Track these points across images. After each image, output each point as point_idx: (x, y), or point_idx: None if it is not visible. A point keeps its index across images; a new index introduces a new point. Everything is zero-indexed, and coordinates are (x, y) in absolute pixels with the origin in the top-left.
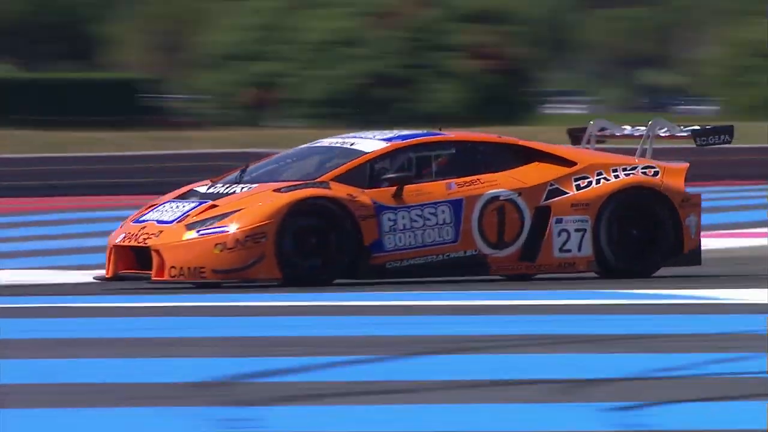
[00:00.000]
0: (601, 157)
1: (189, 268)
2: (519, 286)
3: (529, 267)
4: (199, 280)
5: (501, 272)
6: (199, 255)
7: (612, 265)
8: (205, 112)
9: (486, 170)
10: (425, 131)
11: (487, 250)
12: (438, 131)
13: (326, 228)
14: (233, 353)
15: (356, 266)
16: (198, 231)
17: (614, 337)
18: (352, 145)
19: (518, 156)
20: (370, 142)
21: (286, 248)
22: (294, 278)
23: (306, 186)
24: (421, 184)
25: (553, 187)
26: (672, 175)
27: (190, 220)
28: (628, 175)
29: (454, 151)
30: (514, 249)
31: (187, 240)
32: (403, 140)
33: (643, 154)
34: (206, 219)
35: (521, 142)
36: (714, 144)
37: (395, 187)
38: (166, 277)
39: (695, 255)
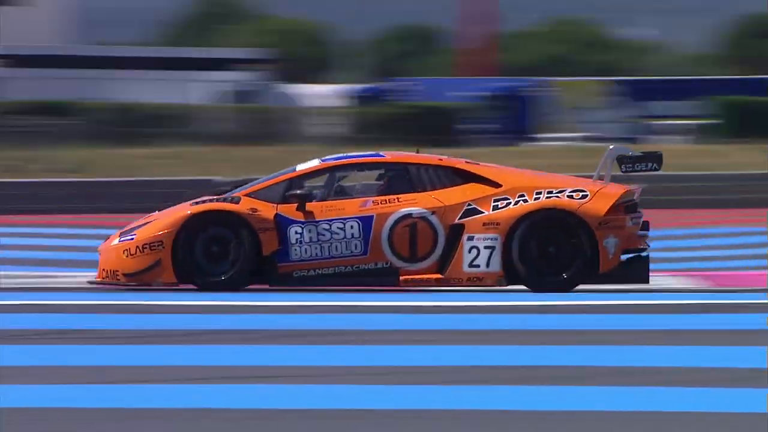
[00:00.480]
0: (532, 179)
1: (109, 271)
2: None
3: (438, 280)
4: (115, 283)
5: (411, 284)
6: (114, 260)
7: (523, 280)
8: None
9: (413, 190)
10: (372, 152)
11: (398, 263)
12: (379, 153)
13: (227, 238)
14: None
15: (263, 274)
16: (120, 238)
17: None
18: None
19: (450, 177)
20: (311, 162)
21: (181, 257)
22: (204, 284)
23: (217, 200)
24: (337, 201)
25: (471, 206)
26: (599, 200)
27: (126, 228)
28: (549, 197)
29: (383, 172)
30: (429, 263)
31: (112, 246)
32: (335, 160)
33: (601, 179)
34: (131, 228)
35: (455, 164)
36: (641, 171)
37: (298, 203)
38: (99, 278)
39: (614, 274)
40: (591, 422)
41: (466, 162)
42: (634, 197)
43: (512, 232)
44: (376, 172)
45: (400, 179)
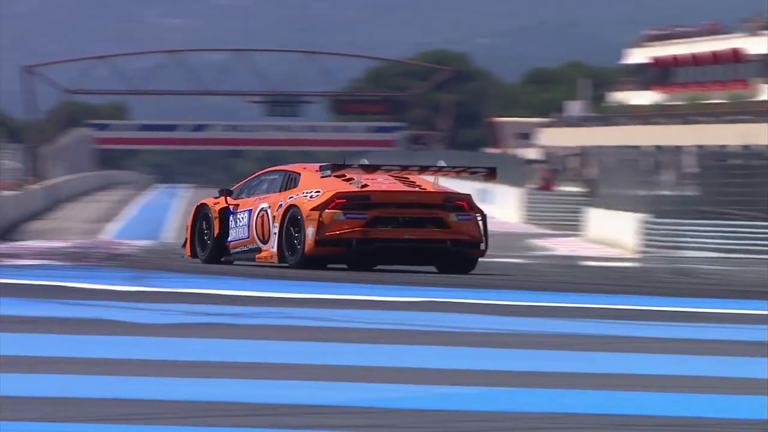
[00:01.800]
0: (322, 184)
1: None
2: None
3: (272, 256)
4: None
5: (262, 260)
6: None
7: (284, 258)
8: None
9: (280, 191)
10: (297, 164)
11: (260, 244)
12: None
13: (209, 224)
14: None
15: (220, 250)
16: None
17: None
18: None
19: (296, 181)
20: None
21: (191, 236)
22: (201, 257)
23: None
24: (249, 198)
25: (288, 203)
26: (318, 199)
27: None
28: (299, 197)
29: (277, 177)
30: (271, 244)
31: None
32: (263, 169)
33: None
34: None
35: (300, 171)
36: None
37: (226, 197)
38: None
39: (310, 257)
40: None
41: (315, 171)
42: (361, 198)
43: (282, 222)
44: (273, 178)
45: (279, 183)
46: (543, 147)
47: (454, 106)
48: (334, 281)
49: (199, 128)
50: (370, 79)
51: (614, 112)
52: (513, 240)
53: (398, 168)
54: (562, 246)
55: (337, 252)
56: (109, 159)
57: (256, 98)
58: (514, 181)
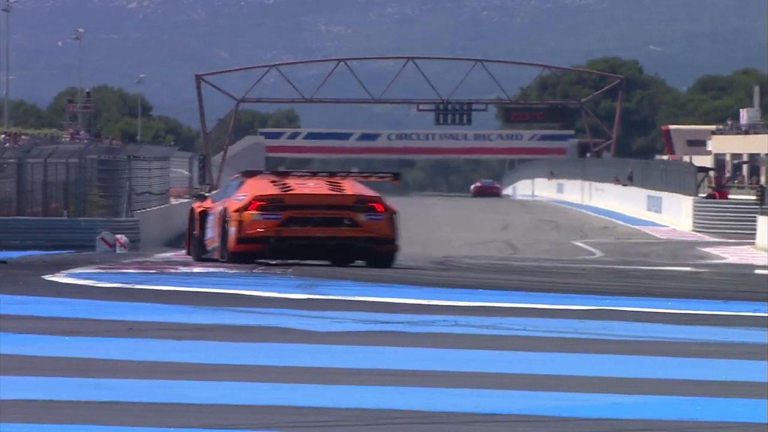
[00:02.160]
0: (252, 188)
1: None
2: None
3: (219, 252)
4: None
5: (216, 257)
6: None
7: (223, 254)
8: None
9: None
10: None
11: (218, 242)
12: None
13: (192, 225)
14: None
15: (202, 248)
16: None
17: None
18: None
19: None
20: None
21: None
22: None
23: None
24: (216, 202)
25: (224, 206)
26: (237, 204)
27: None
28: (232, 200)
29: (234, 183)
30: (217, 243)
31: None
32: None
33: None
34: None
35: (247, 178)
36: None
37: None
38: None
39: (233, 253)
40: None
41: (258, 177)
42: (277, 200)
43: (220, 224)
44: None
45: (234, 188)
46: (713, 154)
47: (624, 113)
48: (502, 289)
49: (367, 137)
50: (539, 87)
51: None
52: (684, 248)
53: (309, 174)
54: (733, 254)
55: (258, 248)
56: (279, 167)
57: (426, 106)
58: (684, 189)
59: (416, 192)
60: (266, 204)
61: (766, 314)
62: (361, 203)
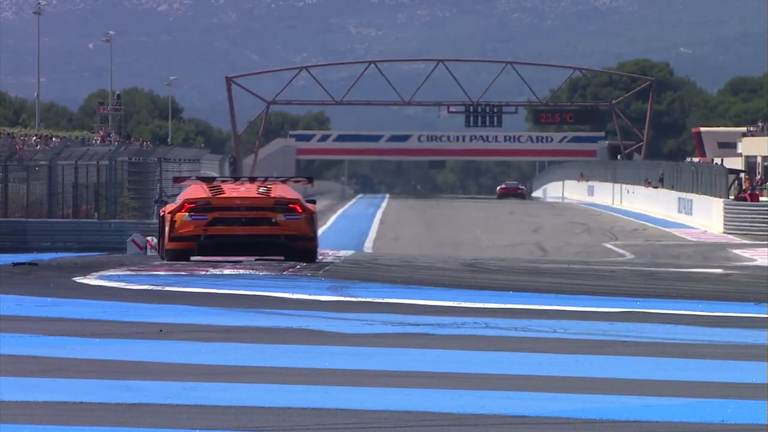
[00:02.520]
0: (188, 193)
1: None
2: None
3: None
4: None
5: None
6: None
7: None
8: None
9: None
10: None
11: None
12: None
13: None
14: None
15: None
16: None
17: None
18: None
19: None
20: None
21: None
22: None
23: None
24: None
25: (165, 209)
26: (172, 207)
27: None
28: (171, 203)
29: (182, 188)
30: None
31: None
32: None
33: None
34: None
35: (189, 183)
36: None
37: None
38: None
39: (168, 251)
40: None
41: (198, 183)
42: (204, 203)
43: (160, 225)
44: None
45: (180, 192)
46: (744, 156)
47: (654, 115)
48: (532, 292)
49: (398, 138)
50: (569, 89)
51: None
52: (715, 250)
53: (232, 180)
54: (764, 256)
55: (189, 246)
56: (309, 169)
57: (456, 108)
58: (715, 191)
59: (447, 194)
60: (195, 206)
61: None
62: (281, 204)
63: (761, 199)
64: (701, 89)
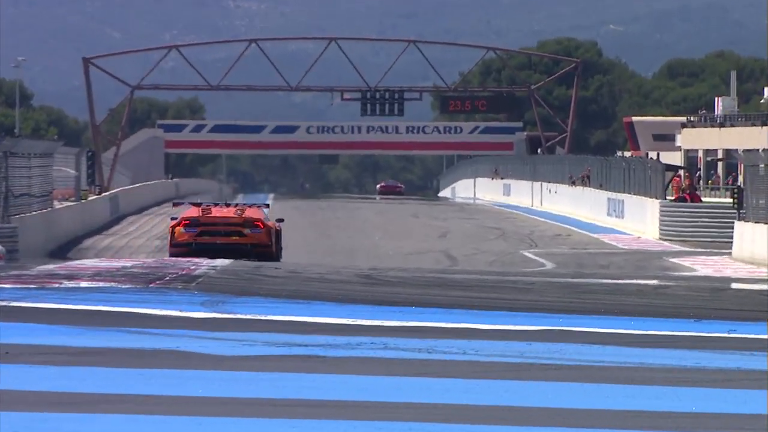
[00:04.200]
0: (186, 212)
1: None
2: None
3: None
4: None
5: None
6: None
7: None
8: None
9: None
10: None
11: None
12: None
13: None
14: None
15: None
16: None
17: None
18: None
19: None
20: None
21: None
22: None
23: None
24: None
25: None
26: (174, 222)
27: None
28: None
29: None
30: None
31: None
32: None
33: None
34: None
35: (190, 204)
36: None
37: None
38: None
39: (171, 254)
40: None
41: (194, 205)
42: (195, 219)
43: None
44: None
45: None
46: (683, 150)
47: (580, 103)
48: (438, 307)
49: (283, 129)
50: (482, 72)
51: (767, 110)
52: (650, 259)
53: (219, 204)
54: (706, 266)
55: (184, 250)
56: (180, 164)
57: (351, 95)
58: (650, 191)
59: (340, 193)
60: (189, 222)
61: (744, 336)
62: (249, 222)
63: (703, 199)
64: (634, 72)
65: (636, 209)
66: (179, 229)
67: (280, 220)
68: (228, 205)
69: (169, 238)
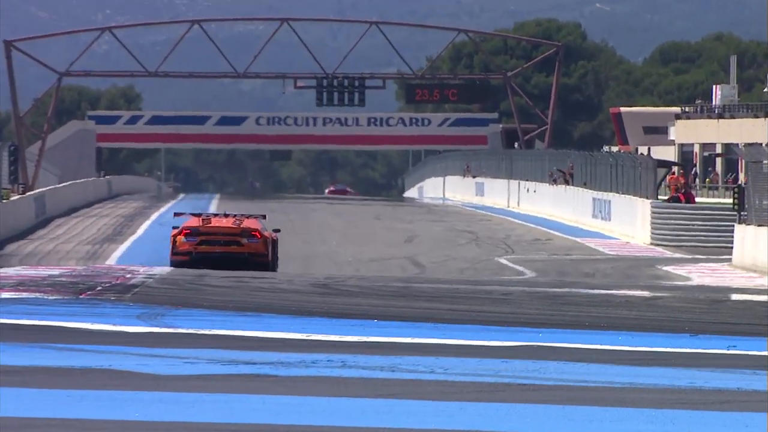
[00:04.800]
0: (188, 221)
1: None
2: None
3: None
4: None
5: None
6: None
7: None
8: None
9: None
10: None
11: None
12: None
13: None
14: None
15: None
16: None
17: None
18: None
19: None
20: None
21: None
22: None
23: None
24: None
25: None
26: (176, 231)
27: None
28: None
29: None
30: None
31: None
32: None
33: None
34: None
35: (194, 215)
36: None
37: None
38: None
39: (172, 262)
40: None
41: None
42: (195, 229)
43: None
44: None
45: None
46: (677, 145)
47: (562, 91)
48: (403, 320)
49: (230, 121)
50: (452, 57)
51: None
52: (640, 267)
53: (218, 215)
54: (703, 274)
55: (185, 259)
56: (114, 159)
57: (306, 82)
58: (640, 190)
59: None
60: (190, 232)
61: (744, 352)
62: (246, 232)
63: (699, 200)
64: (622, 58)
65: (624, 211)
66: (180, 238)
67: (277, 230)
68: (227, 216)
69: (171, 247)
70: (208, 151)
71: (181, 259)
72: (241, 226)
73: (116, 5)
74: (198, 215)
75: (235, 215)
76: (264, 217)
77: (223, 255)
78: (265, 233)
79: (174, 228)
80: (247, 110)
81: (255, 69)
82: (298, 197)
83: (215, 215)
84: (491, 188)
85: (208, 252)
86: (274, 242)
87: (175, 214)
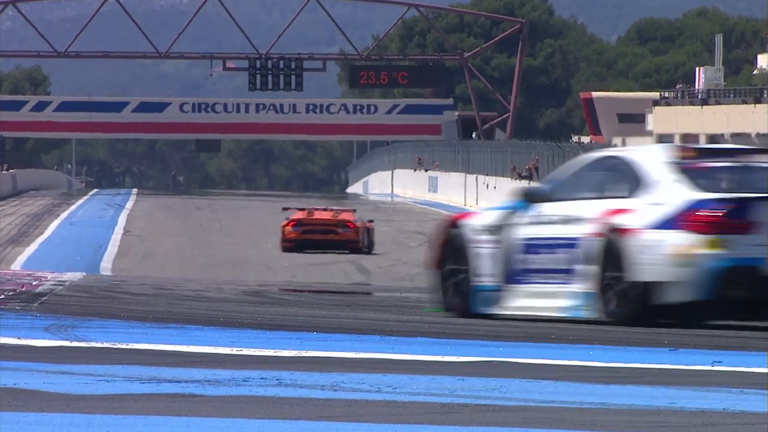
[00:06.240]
0: (295, 214)
1: None
2: None
3: None
4: None
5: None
6: None
7: None
8: None
9: None
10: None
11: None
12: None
13: None
14: None
15: None
16: None
17: None
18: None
19: None
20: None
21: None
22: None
23: None
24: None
25: None
26: (284, 223)
27: None
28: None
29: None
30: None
31: None
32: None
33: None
34: None
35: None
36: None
37: None
38: None
39: (283, 249)
40: None
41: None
42: (300, 221)
43: None
44: None
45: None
46: (656, 135)
47: (526, 74)
48: (346, 332)
49: (150, 107)
50: (402, 36)
51: (761, 84)
52: None
53: (321, 208)
54: None
55: (291, 245)
56: (19, 150)
57: (237, 63)
58: None
59: (223, 189)
60: (295, 223)
61: (730, 369)
62: (342, 223)
63: None
64: (593, 36)
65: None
66: (288, 228)
67: (371, 221)
68: (326, 210)
69: (280, 235)
70: (126, 141)
71: (289, 245)
72: (338, 218)
73: None
74: (302, 209)
75: (333, 209)
76: (354, 211)
77: (322, 242)
78: (358, 224)
79: (287, 219)
80: (169, 95)
81: (179, 48)
82: (228, 193)
83: (316, 209)
84: (446, 183)
85: (310, 239)
86: (368, 230)
87: (284, 209)
